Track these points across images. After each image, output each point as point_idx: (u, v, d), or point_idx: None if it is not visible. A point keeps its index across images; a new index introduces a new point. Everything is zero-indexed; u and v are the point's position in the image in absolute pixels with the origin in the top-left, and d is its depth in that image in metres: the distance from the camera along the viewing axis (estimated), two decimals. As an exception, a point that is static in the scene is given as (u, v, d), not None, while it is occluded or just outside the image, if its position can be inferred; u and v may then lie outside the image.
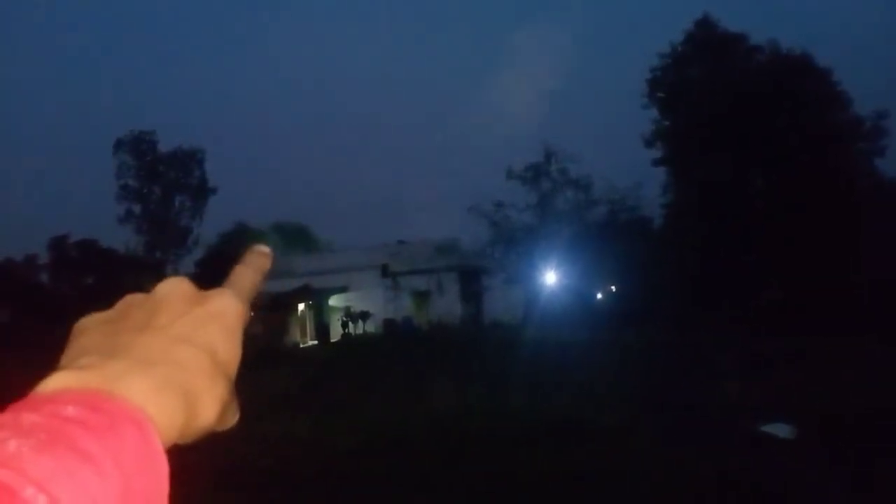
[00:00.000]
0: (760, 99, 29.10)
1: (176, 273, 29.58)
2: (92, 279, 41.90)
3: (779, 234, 27.13)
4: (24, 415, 0.33)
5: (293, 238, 53.32)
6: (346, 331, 38.58)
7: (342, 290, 40.58)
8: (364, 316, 38.64)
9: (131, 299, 0.50)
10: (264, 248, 0.60)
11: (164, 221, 45.66)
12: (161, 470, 0.35)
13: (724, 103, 29.45)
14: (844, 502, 6.28)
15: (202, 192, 47.10)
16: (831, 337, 17.77)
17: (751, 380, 12.89)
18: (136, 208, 45.73)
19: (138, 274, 40.94)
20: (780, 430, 9.15)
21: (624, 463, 8.10)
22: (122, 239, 44.49)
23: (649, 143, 34.10)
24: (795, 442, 8.73)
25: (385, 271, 41.20)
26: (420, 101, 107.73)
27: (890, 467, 7.06)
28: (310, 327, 39.65)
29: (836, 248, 25.72)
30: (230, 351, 0.47)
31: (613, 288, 37.53)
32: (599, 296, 37.66)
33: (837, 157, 28.70)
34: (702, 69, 32.59)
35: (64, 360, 0.43)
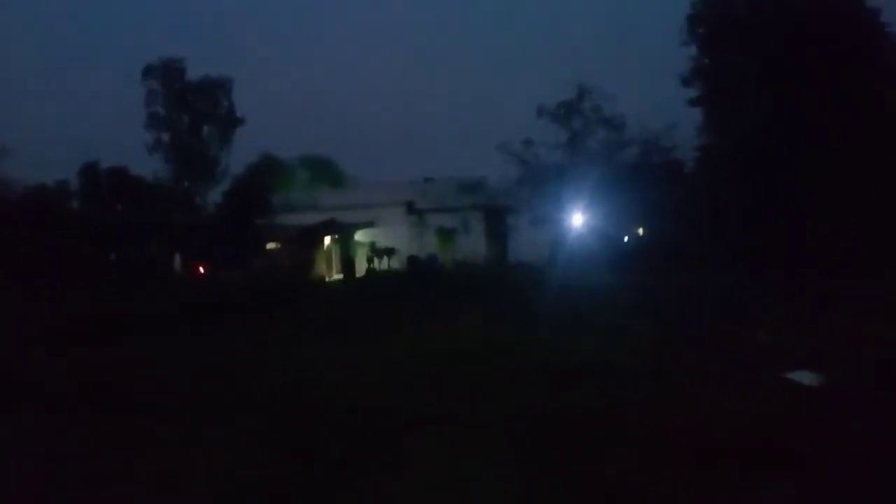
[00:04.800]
0: (807, 39, 27.94)
1: (203, 203, 29.37)
2: (122, 206, 42.29)
3: (819, 180, 26.44)
4: None
5: (320, 172, 53.23)
6: (371, 266, 38.79)
7: (368, 225, 40.69)
8: (389, 252, 38.77)
9: None
10: None
11: (192, 151, 45.69)
12: None
13: (768, 42, 28.31)
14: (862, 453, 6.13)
15: (230, 122, 46.91)
16: (869, 281, 17.41)
17: (782, 324, 12.69)
18: (165, 137, 45.79)
19: (167, 203, 41.28)
20: (806, 377, 9.01)
21: (645, 404, 8.02)
22: (151, 168, 44.64)
23: (687, 82, 33.02)
24: (821, 390, 8.58)
25: (411, 208, 41.12)
26: (451, 36, 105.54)
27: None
28: (335, 262, 39.93)
29: (880, 193, 25.14)
30: None
31: (641, 231, 37.08)
32: (627, 238, 37.25)
33: (885, 103, 27.63)
34: (745, 5, 31.26)
35: None
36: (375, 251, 39.37)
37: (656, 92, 49.25)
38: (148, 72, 45.55)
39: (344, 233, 40.10)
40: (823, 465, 5.78)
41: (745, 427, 6.86)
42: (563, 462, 6.11)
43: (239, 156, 46.54)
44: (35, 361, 11.85)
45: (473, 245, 38.74)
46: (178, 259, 38.21)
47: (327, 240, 39.67)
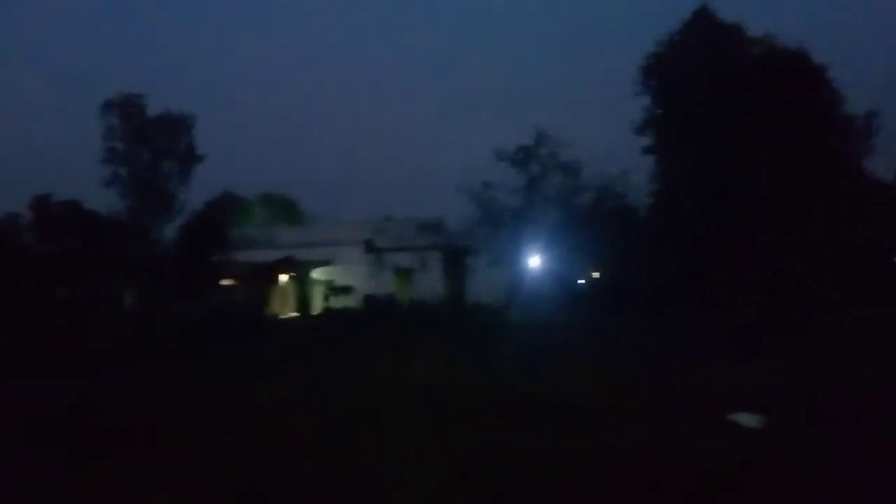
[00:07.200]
0: (753, 92, 29.09)
1: (159, 238, 28.90)
2: (77, 241, 41.42)
3: (762, 225, 27.33)
4: None
5: (278, 210, 53.10)
6: (328, 304, 38.58)
7: (325, 263, 40.51)
8: (346, 290, 38.64)
9: None
10: None
11: (150, 186, 45.19)
12: None
13: (715, 94, 29.41)
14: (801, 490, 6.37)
15: (189, 158, 46.59)
16: (808, 329, 17.96)
17: (725, 366, 13.01)
18: (123, 171, 45.23)
19: (120, 237, 40.61)
20: (747, 419, 9.23)
21: (591, 442, 8.17)
22: (104, 202, 43.93)
23: (640, 131, 34.01)
24: (763, 431, 8.80)
25: (369, 246, 41.14)
26: (412, 78, 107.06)
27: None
28: (291, 299, 39.59)
29: (816, 244, 26.07)
30: None
31: (596, 274, 37.71)
32: (583, 281, 37.82)
33: (826, 155, 28.78)
34: (696, 59, 32.46)
35: None
36: (332, 289, 39.19)
37: (612, 140, 50.61)
38: (107, 107, 45.20)
39: (301, 270, 39.87)
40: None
41: (683, 464, 7.05)
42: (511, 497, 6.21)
43: (198, 192, 46.19)
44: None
45: (431, 284, 38.81)
46: (129, 294, 37.47)
47: (284, 277, 39.39)
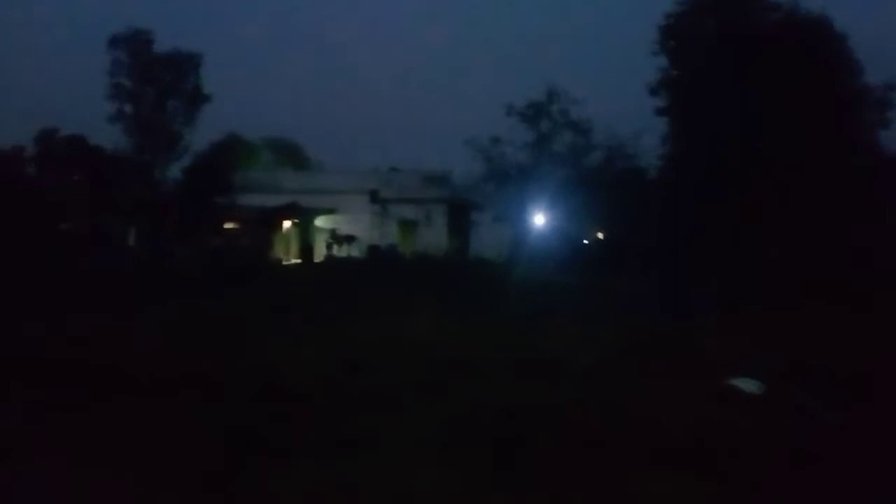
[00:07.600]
0: (772, 57, 28.54)
1: (163, 178, 28.39)
2: (79, 176, 41.24)
3: (773, 194, 27.10)
4: None
5: (284, 155, 52.71)
6: (330, 252, 38.59)
7: (330, 211, 40.41)
8: (349, 239, 38.62)
9: None
10: None
11: (154, 125, 44.71)
12: None
13: (735, 58, 28.85)
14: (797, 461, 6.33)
15: (196, 98, 45.99)
16: (815, 300, 17.88)
17: (728, 333, 12.95)
18: (128, 108, 44.70)
19: (125, 175, 40.43)
20: (748, 385, 9.21)
21: (589, 404, 8.14)
22: (109, 138, 43.54)
23: (654, 92, 33.43)
24: (763, 398, 8.79)
25: (374, 197, 40.95)
26: (425, 29, 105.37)
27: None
28: (294, 245, 39.60)
29: (830, 214, 25.91)
30: None
31: (601, 235, 37.58)
32: (587, 241, 37.72)
33: (842, 124, 28.39)
34: (717, 21, 31.78)
35: None
36: (336, 238, 39.15)
37: (624, 100, 49.92)
38: (114, 42, 44.46)
39: (305, 217, 39.79)
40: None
41: (677, 431, 7.01)
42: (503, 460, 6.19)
43: (204, 133, 45.77)
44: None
45: (435, 238, 38.76)
46: (133, 232, 37.49)
47: (287, 223, 39.32)
